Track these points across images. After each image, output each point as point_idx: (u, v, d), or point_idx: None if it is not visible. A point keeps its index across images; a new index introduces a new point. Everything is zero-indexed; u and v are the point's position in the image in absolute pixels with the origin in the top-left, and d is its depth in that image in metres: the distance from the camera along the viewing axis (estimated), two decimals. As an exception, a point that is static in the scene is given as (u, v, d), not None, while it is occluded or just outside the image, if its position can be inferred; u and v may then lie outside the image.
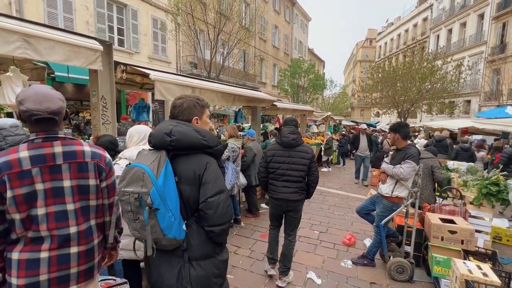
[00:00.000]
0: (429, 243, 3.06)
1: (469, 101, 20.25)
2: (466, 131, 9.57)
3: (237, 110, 9.44)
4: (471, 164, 5.40)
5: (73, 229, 1.23)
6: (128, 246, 1.93)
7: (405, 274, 2.97)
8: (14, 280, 1.14)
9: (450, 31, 23.15)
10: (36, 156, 1.16)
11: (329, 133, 11.56)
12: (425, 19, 27.57)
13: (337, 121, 20.16)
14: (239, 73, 16.23)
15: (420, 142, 8.02)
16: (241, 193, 4.98)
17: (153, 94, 3.91)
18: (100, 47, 2.85)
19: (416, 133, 13.79)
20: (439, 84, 15.47)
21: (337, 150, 10.82)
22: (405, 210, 3.21)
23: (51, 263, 1.18)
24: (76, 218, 1.25)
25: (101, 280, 2.03)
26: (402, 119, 16.38)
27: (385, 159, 3.27)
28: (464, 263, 2.40)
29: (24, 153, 1.15)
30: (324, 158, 9.90)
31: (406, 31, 31.12)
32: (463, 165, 5.35)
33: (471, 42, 20.45)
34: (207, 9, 10.74)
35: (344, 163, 11.16)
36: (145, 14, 11.79)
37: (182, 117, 1.40)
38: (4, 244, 1.17)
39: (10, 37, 2.15)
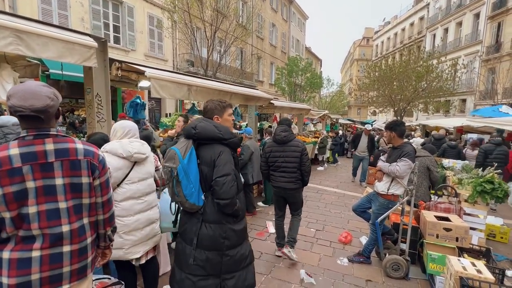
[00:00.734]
0: (424, 240, 3.09)
1: (464, 100, 20.41)
2: (461, 129, 9.63)
3: (234, 108, 9.42)
4: (466, 162, 5.44)
5: (65, 228, 1.21)
6: (116, 245, 1.89)
7: (401, 271, 2.99)
8: (5, 280, 1.12)
9: (446, 30, 23.28)
10: (27, 154, 1.14)
11: (324, 132, 11.58)
12: (421, 18, 27.68)
13: (334, 120, 20.20)
14: (236, 71, 16.17)
15: (416, 140, 8.04)
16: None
17: (149, 92, 3.87)
18: (95, 44, 2.81)
19: (412, 132, 13.88)
20: (435, 83, 15.57)
21: (330, 150, 10.80)
22: (401, 208, 3.23)
23: (43, 262, 1.16)
24: (68, 216, 1.23)
25: (96, 279, 2.02)
26: (399, 117, 16.47)
27: (381, 157, 3.28)
28: (458, 260, 2.41)
29: (14, 150, 1.12)
30: (320, 158, 9.90)
31: (403, 30, 31.23)
32: (458, 163, 5.39)
33: (467, 41, 20.59)
34: (203, 6, 10.67)
35: (335, 161, 11.15)
36: (141, 11, 11.68)
37: (207, 115, 1.85)
38: None
39: (1, 33, 2.11)
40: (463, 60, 19.41)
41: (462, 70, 16.52)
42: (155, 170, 2.23)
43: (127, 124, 2.07)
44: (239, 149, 4.66)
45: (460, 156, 6.58)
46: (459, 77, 17.46)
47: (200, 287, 1.69)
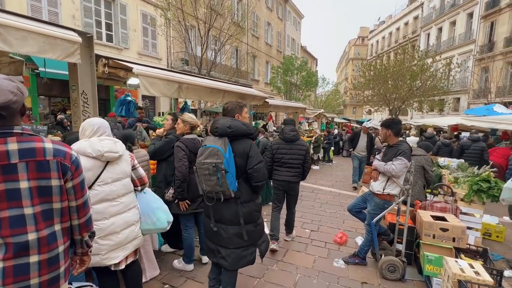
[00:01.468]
0: (420, 241, 3.02)
1: (458, 99, 20.56)
2: (456, 128, 9.65)
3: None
4: (461, 160, 5.42)
5: (32, 236, 1.10)
6: (92, 251, 1.74)
7: (397, 273, 2.92)
8: (-38, 295, 1.01)
9: (440, 29, 23.43)
10: None
11: (318, 131, 11.53)
12: (416, 18, 27.84)
13: (330, 119, 20.19)
14: (231, 69, 16.02)
15: (411, 139, 8.00)
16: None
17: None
18: (79, 39, 2.68)
19: (407, 131, 13.91)
20: (429, 82, 15.64)
21: (322, 148, 10.70)
22: (396, 208, 3.16)
23: (6, 275, 1.05)
24: (35, 223, 1.11)
25: (77, 287, 1.90)
26: (394, 116, 16.50)
27: (377, 156, 3.20)
28: (456, 261, 2.35)
29: (-28, 150, 1.01)
30: (315, 157, 9.83)
31: (398, 29, 31.37)
32: (453, 162, 5.36)
33: (460, 40, 20.73)
34: (197, 4, 10.51)
35: (329, 160, 11.09)
36: (134, 8, 11.48)
37: (229, 114, 2.17)
38: None
39: (-26, 26, 1.98)
40: (457, 59, 19.53)
41: (456, 69, 16.62)
42: (132, 170, 2.07)
43: (96, 122, 1.91)
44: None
45: (452, 154, 6.72)
46: (453, 76, 17.57)
47: (243, 256, 2.09)
